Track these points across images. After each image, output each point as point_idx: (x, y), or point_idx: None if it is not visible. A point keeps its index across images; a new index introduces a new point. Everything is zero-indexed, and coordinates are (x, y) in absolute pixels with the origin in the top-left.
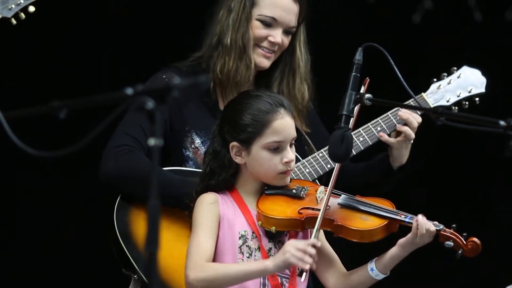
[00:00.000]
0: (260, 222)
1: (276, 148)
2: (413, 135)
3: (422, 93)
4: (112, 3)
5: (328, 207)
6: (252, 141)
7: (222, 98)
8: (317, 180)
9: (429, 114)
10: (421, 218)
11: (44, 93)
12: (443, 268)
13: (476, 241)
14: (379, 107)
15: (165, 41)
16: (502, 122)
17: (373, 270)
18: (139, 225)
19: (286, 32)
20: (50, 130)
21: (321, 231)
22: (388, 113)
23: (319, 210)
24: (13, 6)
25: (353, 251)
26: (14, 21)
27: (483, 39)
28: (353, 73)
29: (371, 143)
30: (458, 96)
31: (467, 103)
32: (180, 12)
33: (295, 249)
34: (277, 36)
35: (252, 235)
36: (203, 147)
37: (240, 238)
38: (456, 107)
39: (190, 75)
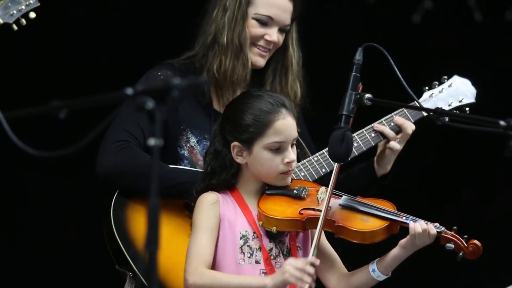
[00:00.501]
0: (261, 222)
1: (278, 149)
2: (399, 147)
3: (415, 102)
4: (112, 3)
5: (329, 208)
6: (253, 141)
7: (217, 97)
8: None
9: (430, 115)
10: (411, 222)
11: (44, 93)
12: (443, 268)
13: (477, 244)
14: (379, 107)
15: (165, 41)
16: (502, 122)
17: (375, 271)
18: (136, 223)
19: (281, 30)
20: (50, 130)
21: (322, 232)
22: (382, 119)
23: (320, 210)
24: (14, 12)
25: (354, 252)
26: (15, 27)
27: (483, 39)
28: (353, 73)
29: (365, 149)
30: (449, 105)
31: (457, 112)
32: (180, 12)
33: (294, 269)
34: (273, 34)
35: (253, 235)
36: (198, 146)
37: (241, 238)
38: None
39: (183, 72)
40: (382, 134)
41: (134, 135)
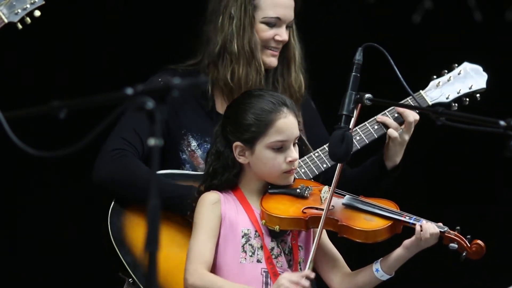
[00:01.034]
0: (264, 221)
1: (280, 148)
2: (410, 121)
3: (420, 91)
4: (112, 3)
5: (332, 207)
6: (255, 141)
7: (221, 100)
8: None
9: (429, 114)
10: (425, 222)
11: (44, 93)
12: (444, 268)
13: (480, 244)
14: (379, 107)
15: (165, 41)
16: (502, 122)
17: (378, 270)
18: (133, 230)
19: (287, 27)
20: (50, 130)
21: (324, 232)
22: (385, 111)
23: (323, 209)
24: (19, 10)
25: (357, 251)
26: (20, 26)
27: (483, 39)
28: (353, 73)
29: (367, 142)
30: (458, 93)
31: (467, 99)
32: (180, 12)
33: (289, 282)
34: (283, 34)
35: (255, 234)
36: (199, 149)
37: (243, 237)
38: (456, 104)
39: (187, 77)
40: (385, 125)
41: (131, 142)
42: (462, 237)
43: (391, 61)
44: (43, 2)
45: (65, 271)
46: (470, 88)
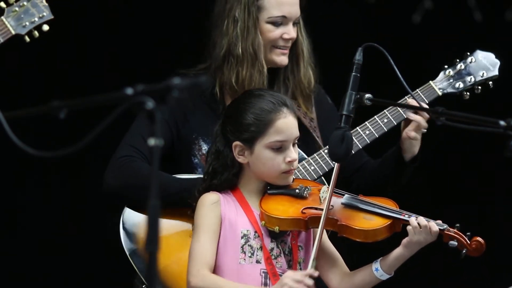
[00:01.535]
0: (263, 221)
1: (279, 148)
2: (425, 123)
3: (430, 81)
4: (112, 3)
5: (331, 207)
6: (255, 141)
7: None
8: (323, 178)
9: (429, 114)
10: (412, 218)
11: (44, 93)
12: (444, 268)
13: (480, 241)
14: (379, 107)
15: (165, 41)
16: (502, 122)
17: (378, 270)
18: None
19: (294, 23)
20: (50, 130)
21: (324, 231)
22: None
23: (322, 209)
24: (27, 23)
25: (359, 251)
26: (27, 39)
27: (483, 39)
28: (353, 73)
29: (377, 136)
30: (469, 82)
31: (480, 87)
32: (180, 12)
33: (292, 281)
34: (291, 31)
35: (254, 235)
36: None
37: (242, 238)
38: (468, 93)
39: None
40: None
41: (139, 149)
42: (461, 235)
43: (391, 61)
44: (52, 17)
45: (65, 271)
46: (481, 76)
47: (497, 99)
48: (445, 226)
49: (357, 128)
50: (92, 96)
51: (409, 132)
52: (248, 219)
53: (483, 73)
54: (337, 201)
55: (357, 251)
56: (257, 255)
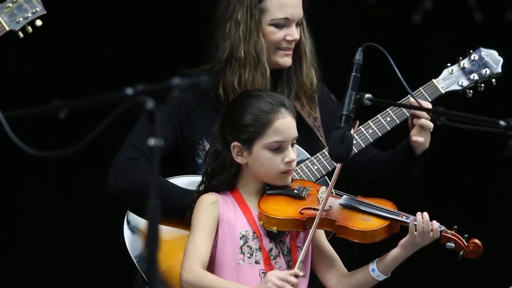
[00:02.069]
0: (261, 222)
1: (278, 148)
2: (431, 124)
3: (433, 80)
4: (112, 3)
5: (329, 208)
6: (253, 141)
7: None
8: (326, 177)
9: (430, 114)
10: (418, 215)
11: (44, 93)
12: (443, 268)
13: (477, 243)
14: (378, 107)
15: (165, 41)
16: (502, 122)
17: (374, 270)
18: None
19: (297, 24)
20: (50, 130)
21: (323, 232)
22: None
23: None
24: (20, 19)
25: (356, 252)
26: (21, 34)
27: (483, 39)
28: (353, 73)
29: (380, 135)
30: (472, 79)
31: (483, 85)
32: (180, 12)
33: (276, 278)
34: (294, 33)
35: (253, 235)
36: None
37: (241, 238)
38: (471, 91)
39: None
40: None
41: (143, 151)
42: (459, 236)
43: (391, 61)
44: (45, 12)
45: (65, 271)
46: (485, 74)
47: (497, 99)
48: (443, 227)
49: (360, 127)
50: (92, 96)
51: (417, 138)
52: (246, 220)
53: (486, 71)
54: (335, 202)
55: (357, 252)
56: (256, 255)
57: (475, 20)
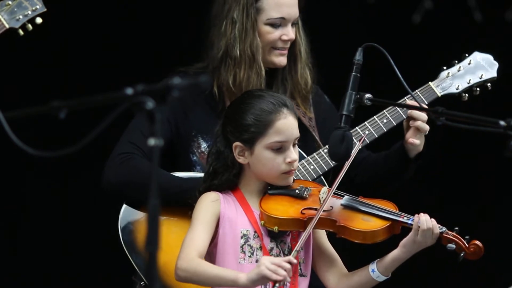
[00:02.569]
0: (263, 221)
1: (279, 148)
2: (427, 127)
3: (429, 82)
4: (112, 4)
5: (330, 208)
6: (255, 141)
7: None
8: (322, 177)
9: (429, 114)
10: (422, 215)
11: (44, 93)
12: (443, 268)
13: (478, 244)
14: (378, 107)
15: (165, 41)
16: (502, 122)
17: (374, 271)
18: (144, 232)
19: (292, 24)
20: (50, 130)
21: (324, 232)
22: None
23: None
24: (20, 17)
25: (355, 251)
26: (21, 32)
27: (483, 39)
28: (353, 73)
29: (377, 136)
30: (468, 83)
31: (478, 89)
32: (180, 12)
33: (269, 263)
34: (290, 33)
35: (254, 235)
36: None
37: (242, 238)
38: (467, 94)
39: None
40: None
41: (139, 146)
42: (460, 238)
43: (391, 61)
44: (45, 9)
45: (65, 271)
46: (480, 78)
47: (497, 99)
48: (444, 228)
49: (357, 128)
50: (92, 96)
51: (413, 140)
52: (248, 219)
53: (481, 75)
54: (337, 202)
55: (359, 252)
56: (256, 255)
57: (475, 20)
